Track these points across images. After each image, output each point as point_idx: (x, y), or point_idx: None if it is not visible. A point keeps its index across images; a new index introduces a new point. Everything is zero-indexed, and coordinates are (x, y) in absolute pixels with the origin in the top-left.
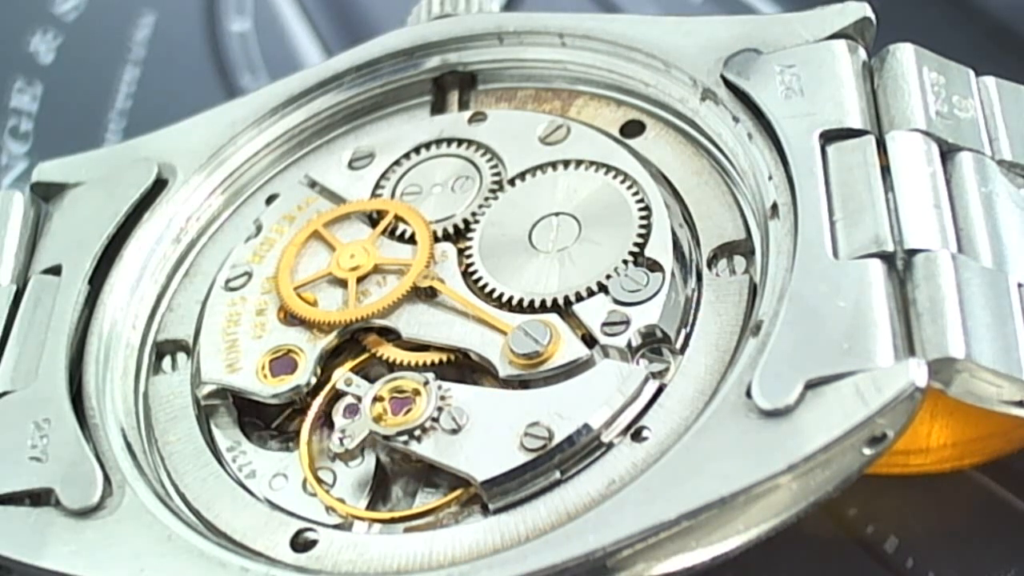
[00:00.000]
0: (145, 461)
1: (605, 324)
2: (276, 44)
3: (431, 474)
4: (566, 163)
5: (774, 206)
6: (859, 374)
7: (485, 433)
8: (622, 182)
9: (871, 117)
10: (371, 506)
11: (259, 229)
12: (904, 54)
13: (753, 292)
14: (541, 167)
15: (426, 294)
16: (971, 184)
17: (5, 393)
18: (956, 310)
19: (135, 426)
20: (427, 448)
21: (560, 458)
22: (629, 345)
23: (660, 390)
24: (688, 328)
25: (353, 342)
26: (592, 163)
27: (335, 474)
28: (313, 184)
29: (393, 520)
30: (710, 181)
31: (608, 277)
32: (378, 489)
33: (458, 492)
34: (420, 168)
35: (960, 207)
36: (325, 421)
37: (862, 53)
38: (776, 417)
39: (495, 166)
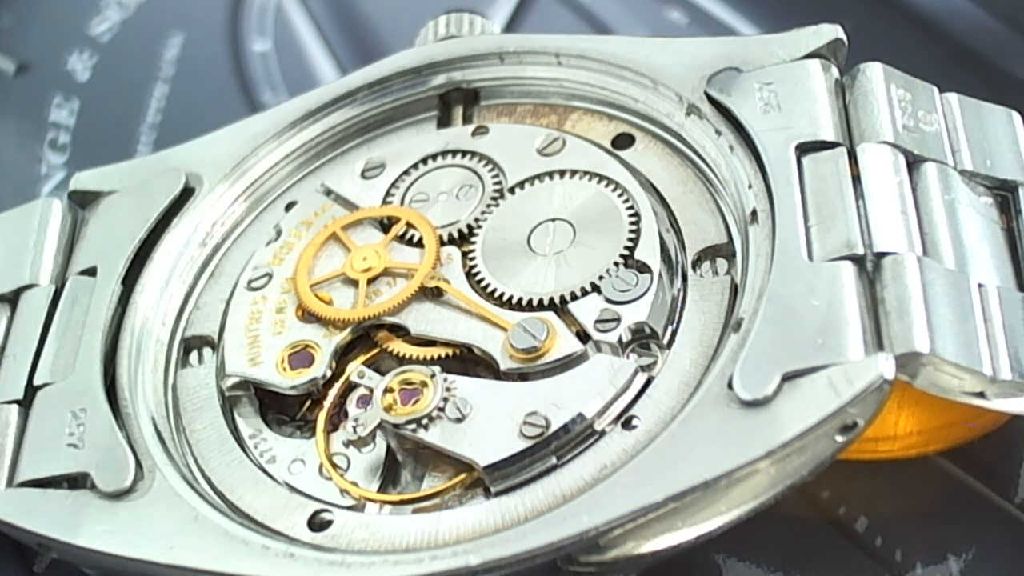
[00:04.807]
0: (174, 447)
1: (598, 321)
2: (294, 63)
3: (437, 459)
4: (562, 173)
5: (753, 212)
6: (832, 367)
7: (487, 422)
8: (613, 190)
9: (843, 130)
10: (382, 489)
11: (279, 234)
12: (873, 72)
13: (734, 292)
14: (539, 176)
15: (433, 293)
16: (935, 192)
17: (45, 385)
18: (921, 308)
19: (164, 415)
20: (434, 435)
21: (556, 445)
22: (620, 341)
23: (648, 382)
24: (674, 325)
25: (365, 338)
26: (586, 173)
27: (349, 459)
28: (328, 192)
29: (402, 502)
30: (694, 189)
31: (600, 278)
32: (388, 473)
33: (462, 476)
34: (427, 177)
35: (925, 213)
36: (340, 411)
37: (835, 71)
38: (755, 407)
39: (496, 175)
